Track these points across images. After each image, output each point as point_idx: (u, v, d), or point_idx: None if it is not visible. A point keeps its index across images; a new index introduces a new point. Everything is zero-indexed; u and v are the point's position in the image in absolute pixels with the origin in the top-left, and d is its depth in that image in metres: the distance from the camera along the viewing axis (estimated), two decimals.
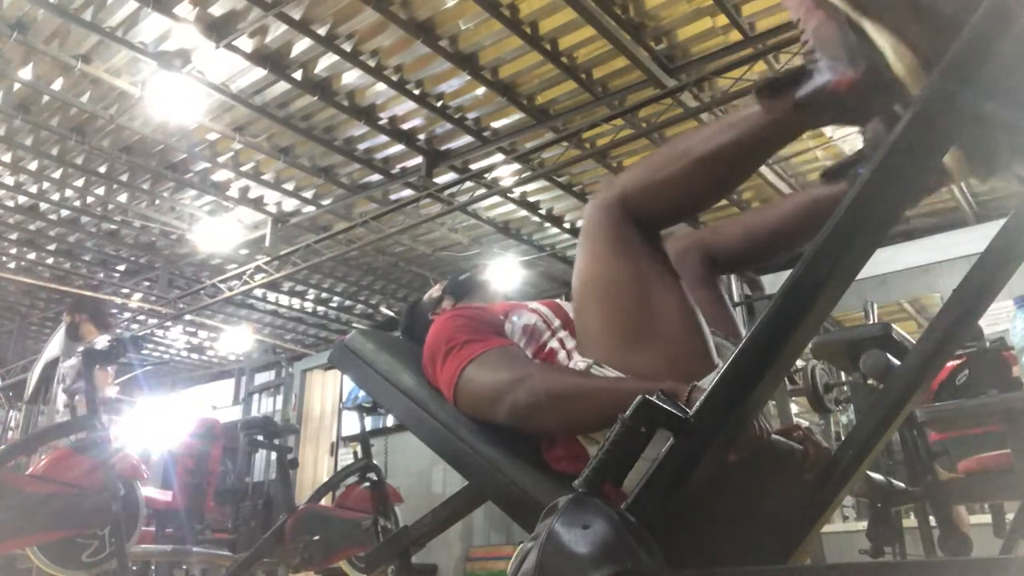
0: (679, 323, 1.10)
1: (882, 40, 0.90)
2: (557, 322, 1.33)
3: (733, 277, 4.41)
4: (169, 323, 8.91)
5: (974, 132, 0.89)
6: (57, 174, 6.12)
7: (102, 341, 4.16)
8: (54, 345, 4.51)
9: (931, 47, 0.86)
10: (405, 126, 5.46)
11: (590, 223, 1.17)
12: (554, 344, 1.28)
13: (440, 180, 5.98)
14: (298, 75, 4.90)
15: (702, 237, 1.46)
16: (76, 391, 4.00)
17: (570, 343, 1.27)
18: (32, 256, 7.60)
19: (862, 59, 0.93)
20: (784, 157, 5.60)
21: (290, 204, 6.58)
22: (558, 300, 1.42)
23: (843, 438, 1.18)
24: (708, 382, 1.01)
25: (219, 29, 4.47)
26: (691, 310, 1.12)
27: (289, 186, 6.27)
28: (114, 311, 9.01)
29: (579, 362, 1.15)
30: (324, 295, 8.69)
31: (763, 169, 5.37)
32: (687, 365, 1.06)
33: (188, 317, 8.68)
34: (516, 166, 5.85)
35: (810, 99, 0.98)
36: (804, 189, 1.47)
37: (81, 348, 4.29)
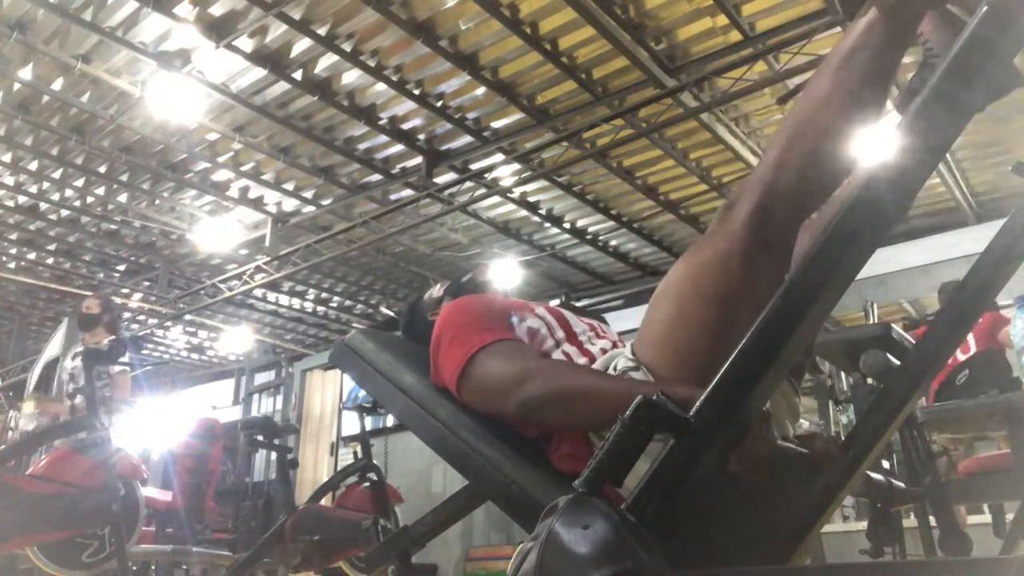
0: None
1: None
2: (561, 333, 1.33)
3: None
4: (169, 323, 8.91)
5: None
6: (57, 174, 6.12)
7: (104, 343, 4.16)
8: (54, 345, 4.51)
9: None
10: (405, 126, 5.46)
11: (718, 228, 1.05)
12: (559, 357, 1.28)
13: (440, 180, 5.98)
14: (298, 75, 4.89)
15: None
16: (83, 391, 3.98)
17: (580, 359, 1.26)
18: (32, 256, 7.60)
19: None
20: None
21: (290, 204, 6.57)
22: (564, 312, 1.41)
23: (843, 438, 1.17)
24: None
25: (219, 29, 4.47)
26: None
27: (289, 186, 6.27)
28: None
29: (623, 358, 1.13)
30: (324, 295, 8.69)
31: None
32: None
33: (188, 317, 8.68)
34: (516, 166, 5.85)
35: None
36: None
37: (80, 348, 4.29)
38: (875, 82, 1.01)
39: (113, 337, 4.29)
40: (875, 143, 0.96)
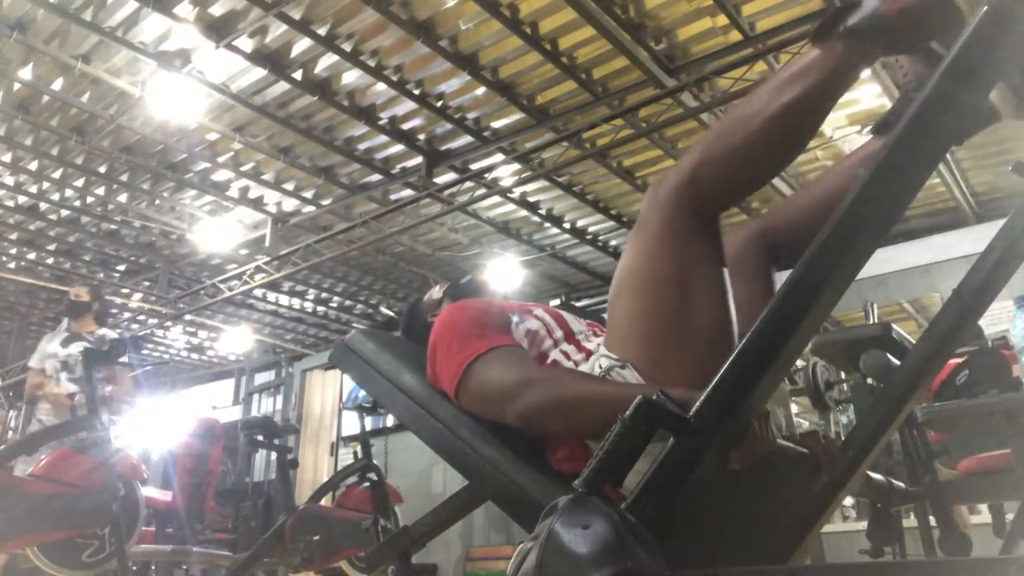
0: (712, 333, 1.06)
1: None
2: (560, 333, 1.33)
3: None
4: (169, 323, 8.91)
5: (1021, 70, 0.87)
6: (57, 174, 6.12)
7: (99, 335, 4.12)
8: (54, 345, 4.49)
9: None
10: (405, 126, 5.46)
11: (647, 214, 1.11)
12: (557, 356, 1.28)
13: (440, 180, 5.98)
14: (298, 75, 4.89)
15: (762, 226, 1.38)
16: (81, 386, 3.96)
17: (577, 356, 1.26)
18: (32, 256, 7.60)
19: None
20: None
21: (290, 204, 6.58)
22: (562, 312, 1.41)
23: (843, 438, 1.17)
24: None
25: (219, 29, 4.47)
26: (728, 320, 1.07)
27: (289, 186, 6.27)
28: (114, 311, 9.01)
29: (603, 358, 1.14)
30: (324, 295, 8.69)
31: None
32: (711, 377, 1.04)
33: (188, 317, 8.68)
34: (516, 166, 5.85)
35: (861, 27, 0.97)
36: (854, 152, 1.39)
37: (66, 335, 4.27)
38: (813, 107, 1.05)
39: (105, 330, 4.27)
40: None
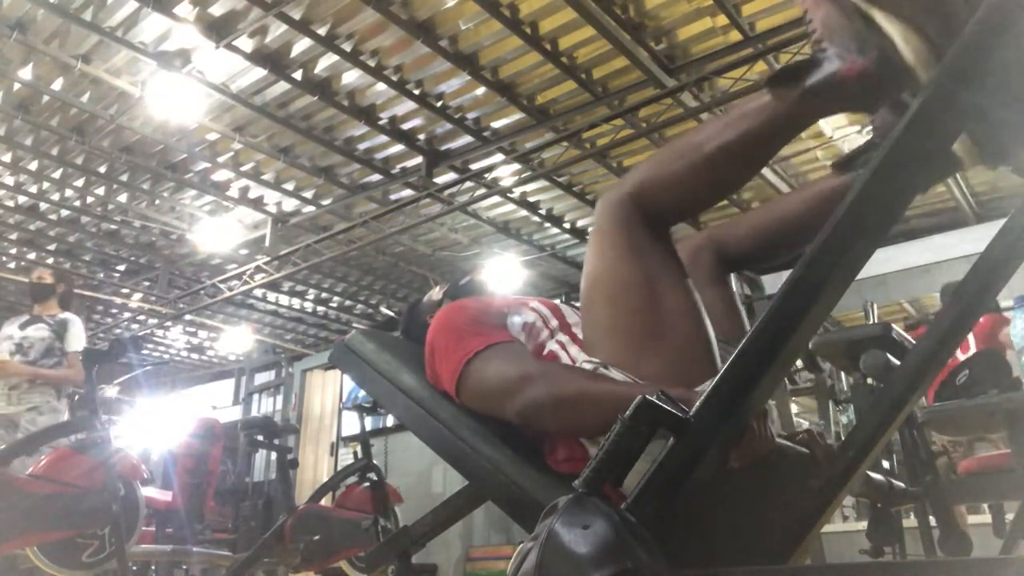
0: (685, 326, 1.09)
1: (891, 28, 0.90)
2: (555, 323, 1.33)
3: (734, 277, 4.41)
4: (169, 323, 8.91)
5: (983, 120, 0.89)
6: (57, 174, 6.12)
7: (60, 319, 4.06)
8: None
9: (940, 34, 0.86)
10: (405, 126, 5.46)
11: (600, 222, 1.15)
12: (554, 347, 1.28)
13: (440, 180, 5.98)
14: (298, 75, 4.90)
15: (713, 235, 1.44)
16: (44, 368, 3.92)
17: (572, 348, 1.27)
18: (32, 256, 7.60)
19: (871, 47, 0.93)
20: (784, 157, 5.60)
21: (290, 204, 6.58)
22: (557, 301, 1.41)
23: (843, 438, 1.17)
24: (706, 387, 1.02)
25: (219, 29, 4.47)
26: (698, 313, 1.10)
27: (289, 186, 6.27)
28: (114, 311, 9.02)
29: (585, 364, 1.14)
30: (324, 295, 8.69)
31: (763, 169, 5.37)
32: (691, 369, 1.05)
33: (188, 317, 8.68)
34: (516, 166, 5.85)
35: (820, 88, 0.98)
36: (814, 182, 1.45)
37: (26, 317, 4.21)
38: (756, 152, 1.10)
39: (68, 314, 4.16)
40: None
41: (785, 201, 1.44)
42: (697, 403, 0.82)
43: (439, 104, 5.19)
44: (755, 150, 1.09)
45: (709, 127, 1.13)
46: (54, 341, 4.04)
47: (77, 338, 4.12)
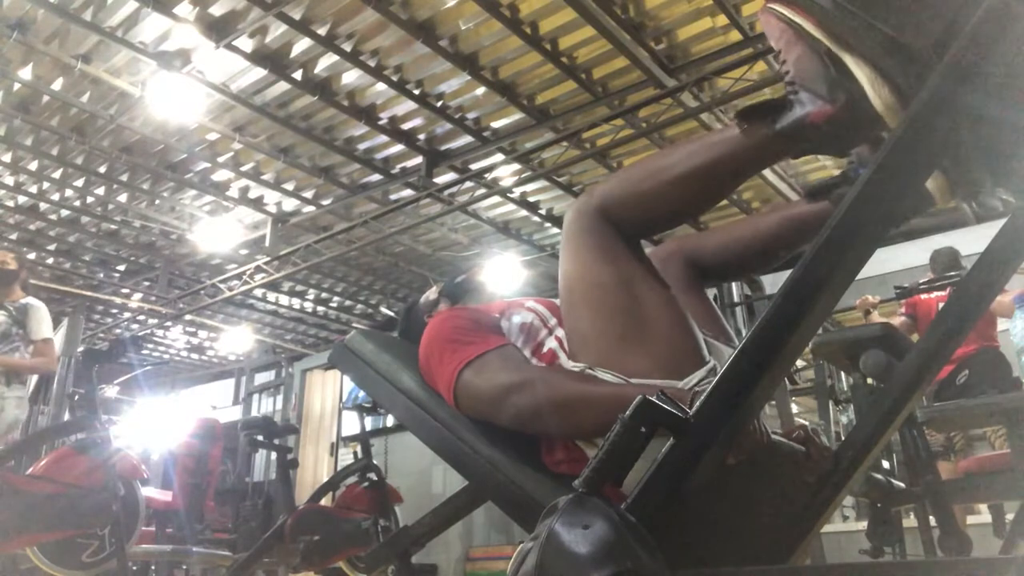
0: (668, 321, 1.10)
1: (860, 73, 0.92)
2: (553, 320, 1.33)
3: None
4: (169, 323, 8.91)
5: (955, 157, 0.91)
6: (57, 174, 6.12)
7: (21, 304, 3.91)
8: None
9: (907, 81, 0.87)
10: (405, 126, 5.46)
11: (570, 229, 1.17)
12: (553, 344, 1.28)
13: (440, 180, 5.98)
14: (298, 75, 4.90)
15: (682, 246, 1.45)
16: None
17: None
18: (32, 256, 7.60)
19: (841, 92, 0.94)
20: None
21: (290, 204, 6.58)
22: (555, 300, 1.41)
23: (843, 438, 1.18)
24: (695, 378, 1.02)
25: (219, 29, 4.47)
26: (679, 309, 1.12)
27: (289, 186, 6.27)
28: (114, 311, 9.02)
29: (572, 367, 1.15)
30: (324, 295, 8.69)
31: (763, 169, 5.37)
32: (679, 364, 1.06)
33: (188, 317, 8.68)
34: (516, 166, 5.85)
35: (789, 130, 1.00)
36: (786, 205, 1.47)
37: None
38: (721, 181, 1.12)
39: (29, 299, 3.95)
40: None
41: (755, 222, 1.46)
42: (697, 403, 0.82)
43: (439, 104, 5.19)
44: (720, 180, 1.12)
45: (679, 151, 1.14)
46: (11, 327, 3.76)
47: (43, 324, 3.83)
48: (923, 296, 3.97)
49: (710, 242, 1.48)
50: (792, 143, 1.02)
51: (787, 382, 4.58)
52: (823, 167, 5.72)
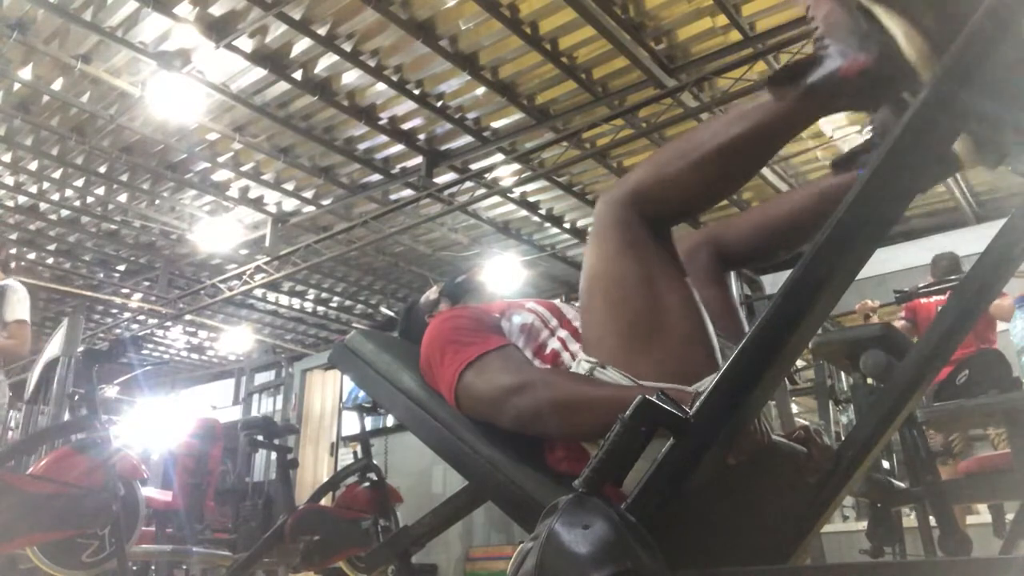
0: (685, 325, 1.08)
1: (893, 25, 0.90)
2: (555, 322, 1.33)
3: (733, 277, 4.41)
4: (169, 323, 8.91)
5: (983, 120, 0.89)
6: (57, 174, 6.12)
7: (3, 284, 3.84)
8: (54, 345, 4.48)
9: (942, 32, 0.85)
10: (405, 126, 5.46)
11: (599, 221, 1.14)
12: (555, 345, 1.28)
13: (440, 180, 5.98)
14: (298, 75, 4.90)
15: (713, 233, 1.43)
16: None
17: (573, 345, 1.26)
18: (32, 256, 7.60)
19: (873, 44, 0.93)
20: (784, 157, 5.60)
21: (290, 204, 6.58)
22: (555, 301, 1.41)
23: (843, 438, 1.18)
24: (704, 383, 1.02)
25: (219, 29, 4.47)
26: (698, 311, 1.10)
27: (289, 186, 6.27)
28: (114, 311, 9.02)
29: (583, 362, 1.14)
30: (324, 295, 8.69)
31: (763, 169, 5.37)
32: (691, 368, 1.05)
33: (188, 317, 8.68)
34: (516, 166, 5.85)
35: (821, 85, 0.98)
36: (813, 181, 1.45)
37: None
38: (756, 151, 1.09)
39: (9, 280, 3.88)
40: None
41: (785, 200, 1.44)
42: (697, 403, 0.82)
43: (439, 104, 5.19)
44: (755, 149, 1.08)
45: (709, 127, 1.12)
46: None
47: (18, 305, 3.73)
48: (923, 300, 3.98)
49: (739, 228, 1.46)
50: (824, 100, 1.01)
51: (787, 382, 4.58)
52: (823, 166, 5.72)
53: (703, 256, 1.38)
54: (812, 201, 1.31)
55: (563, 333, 1.29)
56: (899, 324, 4.17)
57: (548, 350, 1.28)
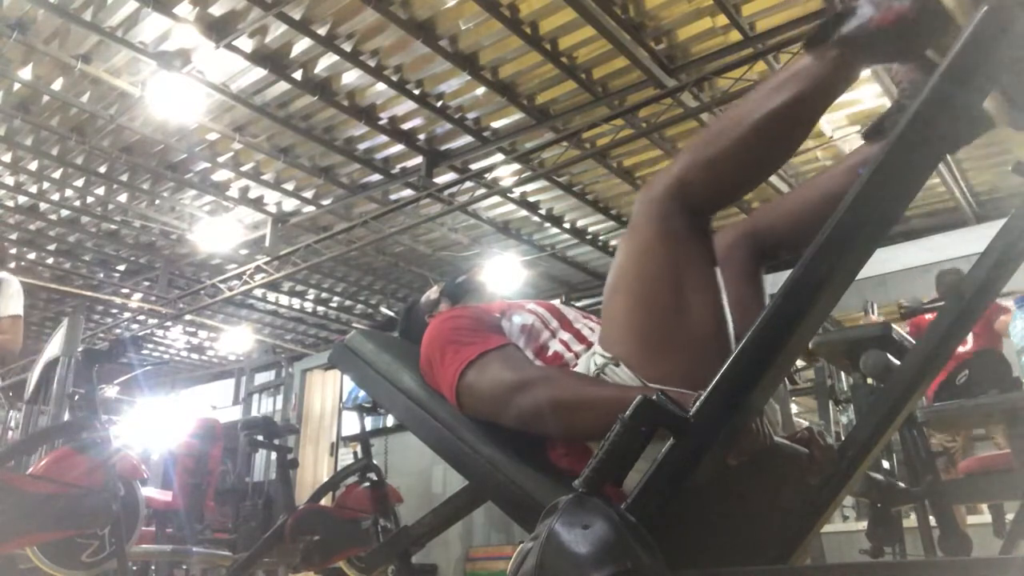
0: (706, 329, 1.06)
1: None
2: (555, 323, 1.33)
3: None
4: (169, 323, 8.91)
5: (1016, 77, 0.87)
6: (57, 174, 6.12)
7: None
8: (54, 345, 4.48)
9: None
10: (405, 126, 5.46)
11: (637, 214, 1.11)
12: (557, 347, 1.27)
13: (440, 180, 5.98)
14: (298, 75, 4.90)
15: (750, 226, 1.39)
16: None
17: (577, 346, 1.26)
18: (32, 256, 7.60)
19: None
20: None
21: (290, 204, 6.58)
22: (555, 302, 1.41)
23: (843, 438, 1.17)
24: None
25: (219, 29, 4.47)
26: (722, 315, 1.07)
27: (289, 186, 6.27)
28: (114, 311, 9.02)
29: (598, 356, 1.13)
30: (324, 295, 8.69)
31: None
32: (703, 376, 1.03)
33: (188, 317, 8.68)
34: (516, 166, 5.85)
35: (857, 36, 0.96)
36: (847, 156, 1.41)
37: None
38: (802, 114, 1.05)
39: (3, 273, 3.84)
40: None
41: (818, 182, 1.39)
42: (697, 403, 0.82)
43: (439, 104, 5.19)
44: (801, 113, 1.04)
45: (749, 101, 1.08)
46: None
47: (11, 300, 3.67)
48: (928, 316, 3.98)
49: (778, 213, 1.42)
50: (861, 52, 0.98)
51: (787, 382, 4.57)
52: (823, 166, 5.71)
53: (740, 252, 1.34)
54: (847, 178, 1.27)
55: (565, 335, 1.29)
56: None
57: (550, 352, 1.28)
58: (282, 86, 4.96)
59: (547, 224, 6.78)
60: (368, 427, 4.81)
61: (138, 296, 8.34)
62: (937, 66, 0.81)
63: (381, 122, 5.38)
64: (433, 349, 1.30)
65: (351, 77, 4.93)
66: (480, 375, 1.20)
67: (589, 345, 1.25)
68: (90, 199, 6.53)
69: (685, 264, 1.06)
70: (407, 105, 5.18)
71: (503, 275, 7.09)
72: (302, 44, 4.63)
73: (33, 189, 6.36)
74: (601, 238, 7.10)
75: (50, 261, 7.72)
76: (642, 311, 1.09)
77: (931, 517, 2.15)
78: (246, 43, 4.60)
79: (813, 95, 1.02)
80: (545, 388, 1.12)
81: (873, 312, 5.72)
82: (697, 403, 0.82)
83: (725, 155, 1.05)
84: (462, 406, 1.24)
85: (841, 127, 5.26)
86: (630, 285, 1.10)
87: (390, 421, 8.00)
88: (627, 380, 1.08)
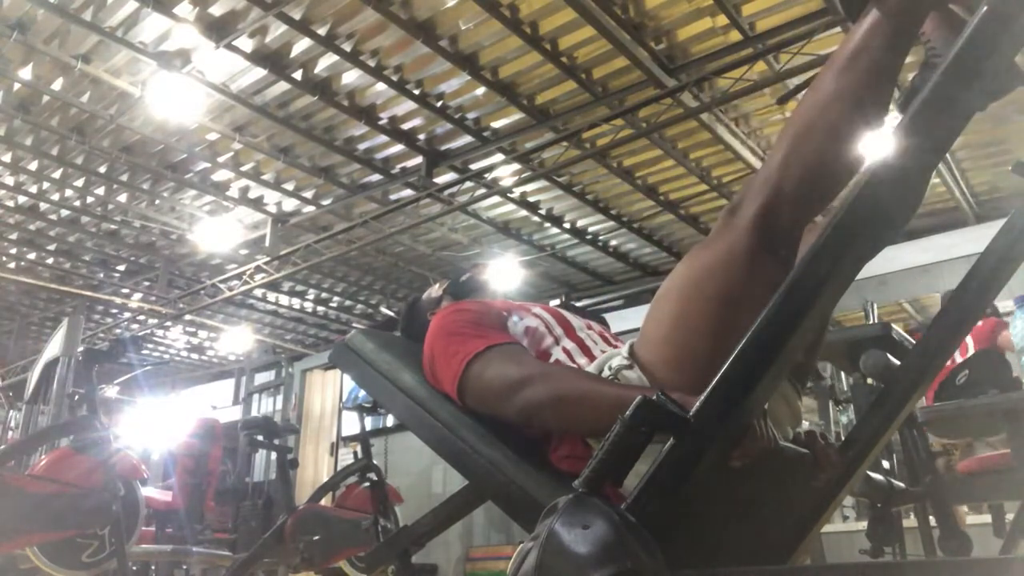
0: None
1: None
2: (559, 330, 1.33)
3: None
4: (169, 323, 8.91)
5: None
6: (57, 174, 6.12)
7: None
8: (54, 345, 4.48)
9: None
10: (405, 126, 5.46)
11: (717, 233, 1.04)
12: (560, 355, 1.27)
13: (440, 180, 5.98)
14: (298, 75, 4.89)
15: None
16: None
17: (581, 359, 1.26)
18: (32, 256, 7.60)
19: None
20: None
21: (290, 204, 6.57)
22: (562, 310, 1.41)
23: (843, 438, 1.17)
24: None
25: (219, 29, 4.47)
26: None
27: (289, 186, 6.27)
28: (114, 311, 9.02)
29: (619, 357, 1.12)
30: (324, 295, 8.69)
31: None
32: None
33: (188, 317, 8.68)
34: (516, 166, 5.84)
35: None
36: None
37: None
38: (878, 84, 1.00)
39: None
40: (879, 143, 0.94)
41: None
42: (697, 403, 0.82)
43: (439, 104, 5.19)
44: (879, 81, 0.99)
45: (822, 87, 1.01)
46: None
47: None
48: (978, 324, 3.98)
49: None
50: (913, 2, 0.96)
51: (798, 390, 4.56)
52: None
53: (808, 240, 1.29)
54: None
55: (569, 344, 1.29)
56: None
57: (552, 359, 1.28)
58: (282, 86, 4.96)
59: (547, 224, 6.78)
60: (368, 427, 4.81)
61: (138, 296, 8.34)
62: (965, 23, 0.80)
63: (381, 122, 5.38)
64: (437, 342, 1.29)
65: (351, 77, 4.93)
66: (486, 368, 1.20)
67: (593, 358, 1.25)
68: (90, 199, 6.53)
69: (747, 296, 0.98)
70: (407, 105, 5.18)
71: (503, 275, 7.08)
72: (302, 44, 4.63)
73: (33, 189, 6.36)
74: (601, 238, 7.09)
75: (50, 261, 7.72)
76: (685, 326, 1.05)
77: (931, 517, 2.15)
78: (246, 43, 4.60)
79: (883, 61, 0.98)
80: (549, 383, 1.12)
81: (873, 312, 5.73)
82: (697, 403, 0.82)
83: (818, 153, 0.99)
84: (464, 399, 1.24)
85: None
86: (685, 296, 1.06)
87: (390, 421, 8.00)
88: (636, 383, 1.08)
